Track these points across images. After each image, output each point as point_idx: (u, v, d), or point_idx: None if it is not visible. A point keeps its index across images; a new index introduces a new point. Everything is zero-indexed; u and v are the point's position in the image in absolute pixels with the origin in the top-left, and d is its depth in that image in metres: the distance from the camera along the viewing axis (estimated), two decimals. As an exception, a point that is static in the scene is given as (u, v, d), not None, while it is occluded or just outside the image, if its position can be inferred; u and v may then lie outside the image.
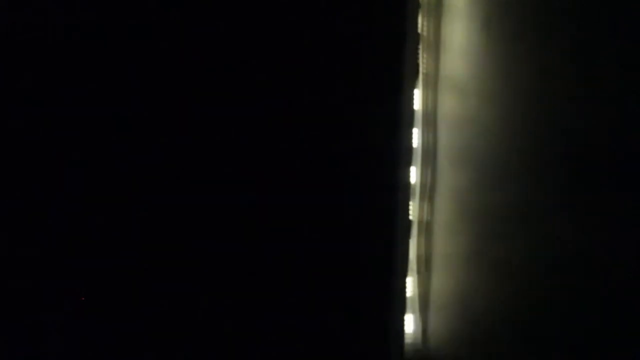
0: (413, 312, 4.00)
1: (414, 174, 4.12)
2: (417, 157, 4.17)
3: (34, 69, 3.61)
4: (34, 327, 3.60)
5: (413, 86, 4.16)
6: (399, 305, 3.81)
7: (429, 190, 4.10)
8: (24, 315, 3.60)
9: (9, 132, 3.59)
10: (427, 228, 4.07)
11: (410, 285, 4.00)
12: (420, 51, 4.25)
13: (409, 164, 4.04)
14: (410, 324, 3.97)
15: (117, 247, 3.65)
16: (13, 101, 3.60)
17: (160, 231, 3.68)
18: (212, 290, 3.68)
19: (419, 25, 4.23)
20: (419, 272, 4.01)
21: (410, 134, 4.10)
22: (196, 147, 3.72)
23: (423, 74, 4.26)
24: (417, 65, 4.22)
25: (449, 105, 4.22)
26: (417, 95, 4.23)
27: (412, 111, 4.12)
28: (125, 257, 3.66)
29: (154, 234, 3.68)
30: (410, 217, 4.02)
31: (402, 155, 3.98)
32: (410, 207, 4.02)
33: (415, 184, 4.12)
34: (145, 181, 3.66)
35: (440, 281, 4.00)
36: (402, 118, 4.02)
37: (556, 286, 3.66)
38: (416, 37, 4.20)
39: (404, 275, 3.86)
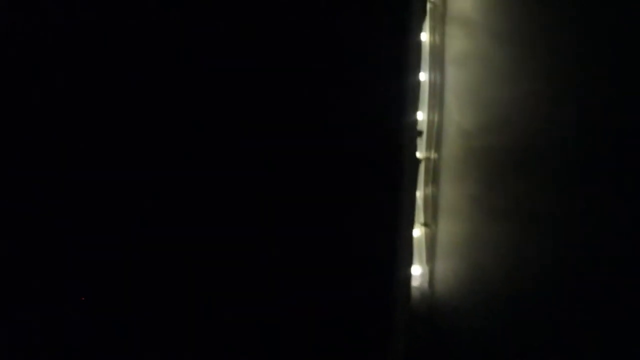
0: (420, 256, 3.91)
1: (420, 114, 3.97)
2: (424, 95, 4.01)
3: (34, 69, 3.63)
4: (33, 327, 3.63)
5: (421, 21, 3.98)
6: (406, 250, 3.74)
7: (435, 131, 3.97)
8: (24, 314, 3.63)
9: (8, 132, 3.61)
10: (434, 170, 3.95)
11: (418, 230, 3.90)
12: (428, -16, 4.06)
13: (416, 102, 3.90)
14: (417, 268, 3.87)
15: (116, 247, 3.65)
16: (12, 101, 3.61)
17: (161, 232, 3.66)
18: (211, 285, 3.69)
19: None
20: (425, 217, 3.91)
21: (418, 70, 3.94)
22: (196, 145, 3.68)
23: (431, 8, 4.07)
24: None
25: (457, 42, 4.07)
26: (425, 30, 4.04)
27: (419, 47, 3.96)
28: (125, 256, 3.66)
29: (155, 235, 3.66)
30: (418, 156, 3.90)
31: (408, 93, 3.83)
32: (418, 148, 3.91)
33: (422, 124, 3.98)
34: (146, 182, 3.65)
35: (446, 226, 3.92)
36: (409, 54, 3.86)
37: (559, 235, 3.64)
38: (424, -30, 4.01)
39: (412, 219, 3.77)
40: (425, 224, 3.89)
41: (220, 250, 3.68)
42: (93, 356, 3.64)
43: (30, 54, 3.62)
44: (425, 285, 3.87)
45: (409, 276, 3.75)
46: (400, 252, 3.70)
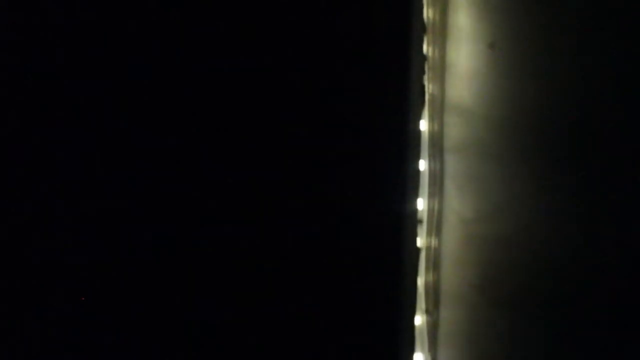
0: (421, 345, 3.89)
1: (420, 201, 4.03)
2: (424, 182, 4.07)
3: (34, 69, 3.64)
4: (33, 327, 3.61)
5: (419, 110, 4.07)
6: (408, 340, 3.73)
7: (436, 219, 4.01)
8: (24, 315, 3.61)
9: (9, 133, 3.62)
10: (435, 258, 3.97)
11: (419, 318, 3.89)
12: (426, 74, 4.17)
13: (416, 190, 3.96)
14: (419, 357, 3.87)
15: (116, 247, 3.65)
16: (13, 103, 3.62)
17: (161, 232, 3.65)
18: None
19: (425, 49, 4.16)
20: (427, 304, 3.91)
21: (417, 159, 4.01)
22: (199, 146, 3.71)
23: (429, 97, 4.17)
24: (423, 87, 4.14)
25: (456, 130, 4.15)
26: (424, 119, 4.14)
27: (418, 136, 4.04)
28: (125, 257, 3.66)
29: (155, 236, 3.66)
30: (418, 245, 3.94)
31: (408, 182, 3.90)
32: (418, 236, 3.96)
33: (422, 212, 4.03)
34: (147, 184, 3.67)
35: (448, 314, 3.93)
36: (408, 143, 3.94)
37: (563, 322, 3.64)
38: (422, 60, 4.13)
39: (413, 309, 3.78)
40: (427, 312, 3.89)
41: (223, 251, 3.65)
42: (93, 356, 3.59)
43: (30, 54, 3.65)
44: (428, 375, 3.84)
45: (411, 366, 3.73)
46: (401, 341, 3.68)
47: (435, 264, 3.98)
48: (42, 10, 3.60)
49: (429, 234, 4.02)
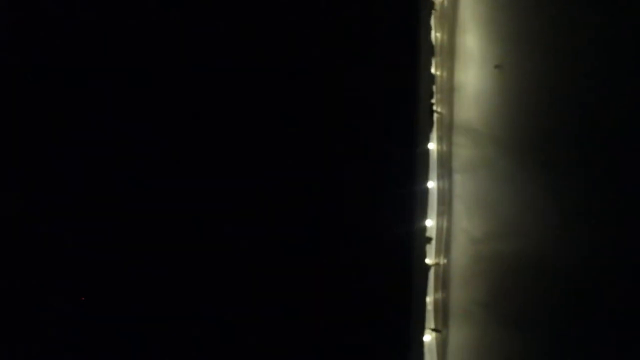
0: (431, 364, 3.95)
1: (430, 221, 4.11)
2: (433, 202, 4.14)
3: (33, 69, 3.68)
4: (33, 327, 3.63)
5: (428, 131, 4.15)
6: (417, 358, 3.77)
7: (444, 237, 4.08)
8: (24, 315, 3.64)
9: (9, 133, 3.63)
10: (444, 276, 4.04)
11: (428, 335, 3.95)
12: (434, 94, 4.24)
13: (425, 210, 4.03)
14: (428, 376, 3.90)
15: (116, 248, 3.69)
16: (13, 103, 3.63)
17: (166, 233, 3.69)
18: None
19: (433, 70, 4.23)
20: (436, 322, 3.98)
21: (426, 178, 4.08)
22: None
23: (438, 118, 4.25)
24: (432, 108, 4.21)
25: (464, 150, 4.22)
26: (433, 140, 4.21)
27: (427, 156, 4.11)
28: (126, 257, 3.69)
29: (160, 236, 3.69)
30: (427, 262, 4.01)
31: (417, 202, 3.97)
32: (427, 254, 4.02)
33: (431, 230, 4.11)
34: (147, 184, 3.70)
35: (457, 331, 3.97)
36: (417, 162, 4.01)
37: (570, 339, 3.66)
38: (430, 82, 4.20)
39: (422, 326, 3.83)
40: (436, 329, 3.95)
41: (223, 252, 3.66)
42: (93, 356, 3.62)
43: (30, 54, 3.70)
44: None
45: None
46: (410, 358, 3.74)
47: (444, 282, 4.04)
48: (42, 10, 3.64)
49: (438, 252, 4.10)
